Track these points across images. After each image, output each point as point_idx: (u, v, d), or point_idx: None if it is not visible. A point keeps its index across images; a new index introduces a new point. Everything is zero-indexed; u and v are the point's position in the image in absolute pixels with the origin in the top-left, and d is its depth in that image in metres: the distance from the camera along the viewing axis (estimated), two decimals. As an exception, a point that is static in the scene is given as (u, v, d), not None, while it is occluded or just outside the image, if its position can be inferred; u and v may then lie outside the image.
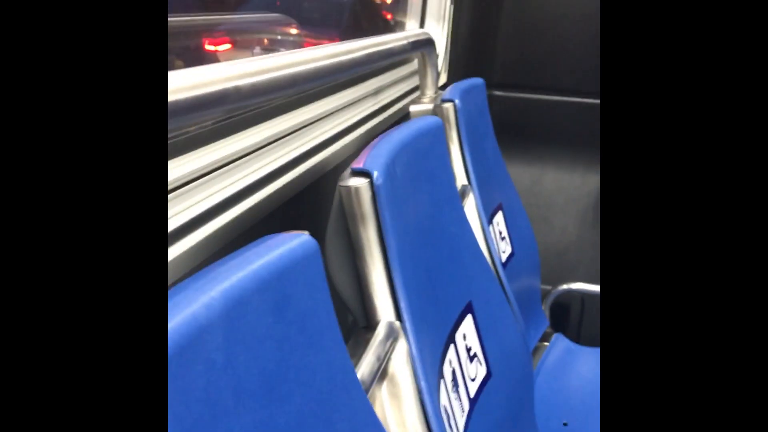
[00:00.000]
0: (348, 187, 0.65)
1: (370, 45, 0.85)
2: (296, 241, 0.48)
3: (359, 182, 0.65)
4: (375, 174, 0.66)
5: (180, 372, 0.34)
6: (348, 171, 0.69)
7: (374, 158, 0.69)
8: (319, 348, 0.47)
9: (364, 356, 0.59)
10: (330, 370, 0.48)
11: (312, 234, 0.95)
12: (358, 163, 0.68)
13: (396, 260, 0.66)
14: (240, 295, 0.40)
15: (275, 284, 0.44)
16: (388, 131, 0.84)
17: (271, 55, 0.60)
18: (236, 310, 0.39)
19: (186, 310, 0.36)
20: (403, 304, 0.66)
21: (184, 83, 0.44)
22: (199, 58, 1.15)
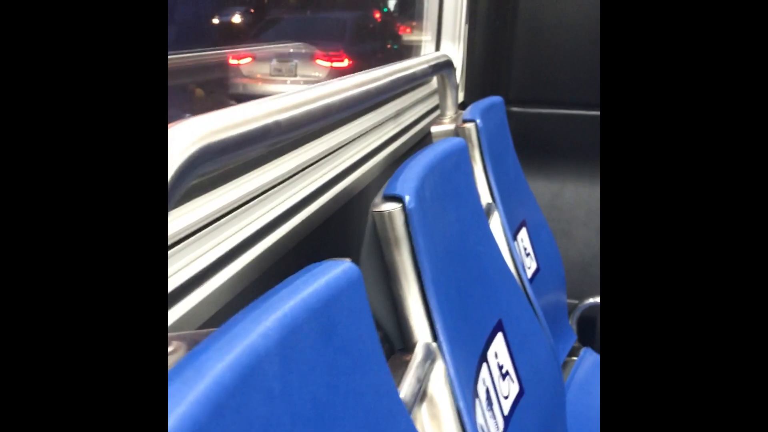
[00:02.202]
0: (381, 212, 0.66)
1: (393, 71, 0.87)
2: (340, 268, 0.49)
3: (392, 207, 0.67)
4: (407, 198, 0.68)
5: (242, 402, 0.36)
6: (380, 196, 0.70)
7: (405, 182, 0.71)
8: (365, 372, 0.49)
9: (404, 378, 0.60)
10: (376, 394, 0.50)
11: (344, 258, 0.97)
12: (390, 188, 0.70)
13: (430, 282, 0.67)
14: (292, 324, 0.42)
15: (323, 311, 0.45)
16: (414, 154, 0.86)
17: (303, 88, 0.62)
18: (290, 338, 0.41)
19: (245, 340, 0.38)
20: (438, 326, 0.67)
21: (230, 121, 0.46)
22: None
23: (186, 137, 0.41)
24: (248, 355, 0.37)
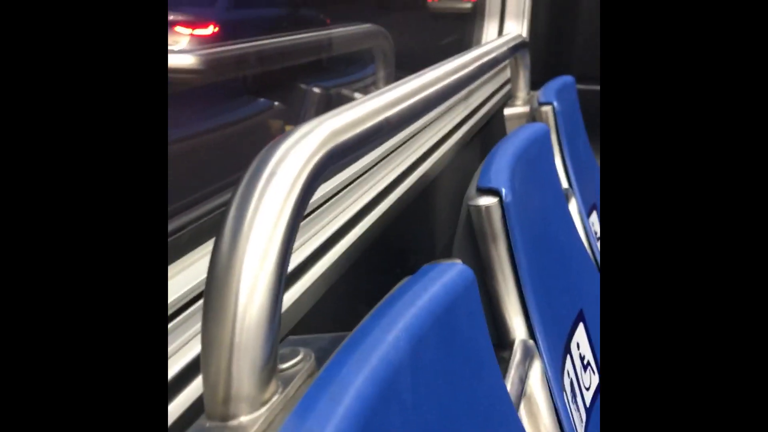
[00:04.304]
0: (478, 207, 0.65)
1: (477, 57, 0.85)
2: (454, 271, 0.48)
3: (489, 201, 0.65)
4: (503, 191, 0.66)
5: (384, 417, 0.35)
6: (473, 188, 0.69)
7: (498, 174, 0.69)
8: (481, 377, 0.48)
9: (506, 378, 0.59)
10: (491, 398, 0.49)
11: (429, 250, 0.96)
12: (484, 181, 0.68)
13: (527, 278, 0.66)
14: (420, 333, 0.41)
15: (444, 318, 0.44)
16: (500, 142, 0.83)
17: (400, 83, 0.60)
18: (418, 347, 0.40)
19: (378, 351, 0.37)
20: (535, 323, 0.65)
21: (348, 122, 0.45)
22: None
23: (314, 140, 0.40)
24: (384, 368, 0.37)
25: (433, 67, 0.69)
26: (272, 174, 0.35)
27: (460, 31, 1.87)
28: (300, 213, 0.36)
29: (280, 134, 0.41)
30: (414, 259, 1.03)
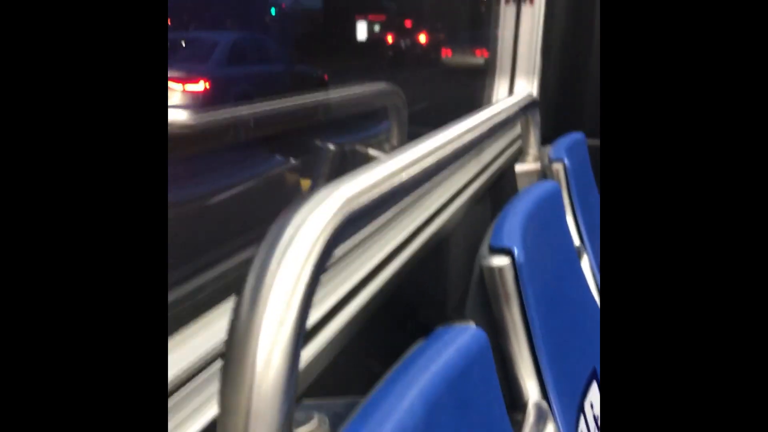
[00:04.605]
0: (491, 267, 0.65)
1: (489, 117, 0.86)
2: (468, 334, 0.48)
3: (501, 261, 0.65)
4: (516, 251, 0.66)
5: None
6: (486, 247, 0.69)
7: (511, 234, 0.70)
8: (495, 443, 0.47)
9: (520, 442, 0.58)
10: (504, 465, 0.48)
11: (441, 304, 0.95)
12: (497, 240, 0.68)
13: (540, 339, 0.66)
14: (434, 399, 0.41)
15: (458, 383, 0.44)
16: (511, 200, 0.84)
17: (412, 144, 0.61)
18: (433, 414, 0.40)
19: (393, 417, 0.37)
20: (549, 385, 0.65)
21: (365, 185, 0.46)
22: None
23: (330, 206, 0.41)
24: (399, 436, 0.37)
25: (445, 127, 0.71)
26: (289, 242, 0.36)
27: (473, 86, 1.91)
28: (316, 280, 0.37)
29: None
30: (426, 314, 1.03)
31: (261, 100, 0.83)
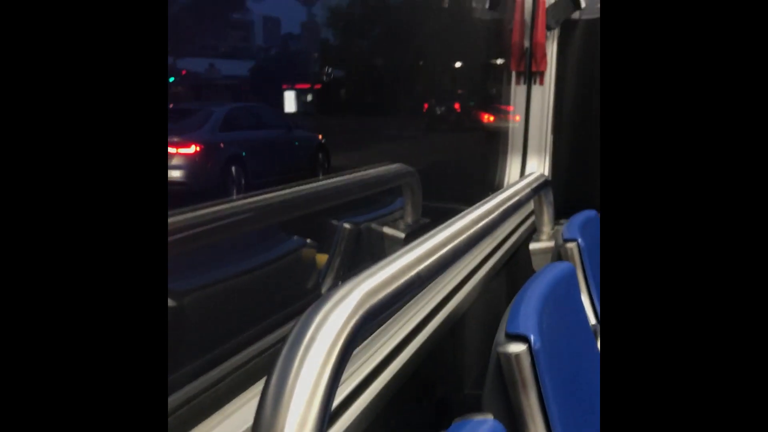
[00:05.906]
0: (508, 354, 0.65)
1: (502, 201, 0.88)
2: (486, 426, 0.48)
3: (518, 348, 0.66)
4: (532, 338, 0.67)
5: None
6: (502, 333, 0.70)
7: (526, 319, 0.70)
8: None
9: None
10: None
11: (458, 384, 0.95)
12: (512, 326, 0.69)
13: (558, 425, 0.65)
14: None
15: (477, 480, 0.44)
16: (527, 283, 0.85)
17: (429, 235, 0.63)
18: None
19: None
20: (569, 474, 0.64)
21: (378, 281, 0.47)
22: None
23: (349, 304, 0.42)
24: None
25: (459, 216, 0.72)
26: (310, 342, 0.37)
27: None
28: (338, 377, 0.38)
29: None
30: (442, 390, 1.02)
31: (282, 187, 0.86)
